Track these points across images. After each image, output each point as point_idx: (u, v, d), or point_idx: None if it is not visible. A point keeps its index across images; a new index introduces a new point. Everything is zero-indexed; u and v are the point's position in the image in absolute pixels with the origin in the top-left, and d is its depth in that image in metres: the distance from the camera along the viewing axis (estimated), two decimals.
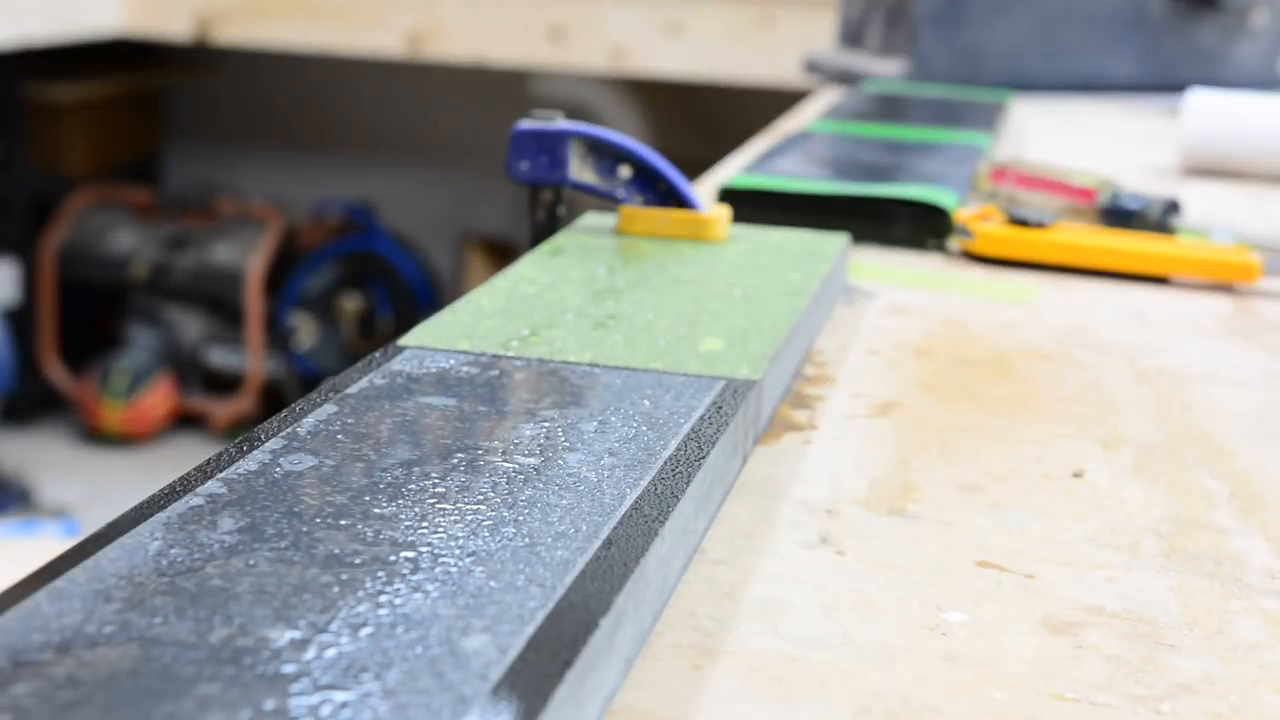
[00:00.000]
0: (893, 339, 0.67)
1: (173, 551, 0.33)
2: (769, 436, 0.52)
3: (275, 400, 3.15)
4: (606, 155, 0.71)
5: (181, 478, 0.38)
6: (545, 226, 0.71)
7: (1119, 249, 0.82)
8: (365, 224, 3.26)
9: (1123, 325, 0.72)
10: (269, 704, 0.27)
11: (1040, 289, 0.78)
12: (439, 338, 0.52)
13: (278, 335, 3.20)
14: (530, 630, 0.31)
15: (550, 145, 0.70)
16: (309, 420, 0.43)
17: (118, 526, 0.34)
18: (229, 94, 3.50)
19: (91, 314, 3.32)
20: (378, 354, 0.50)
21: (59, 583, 0.31)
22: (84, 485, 2.88)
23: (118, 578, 0.32)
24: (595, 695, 0.31)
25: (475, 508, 0.37)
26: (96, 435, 3.13)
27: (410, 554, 0.34)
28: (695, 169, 0.98)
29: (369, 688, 0.28)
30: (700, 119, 3.09)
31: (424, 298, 3.24)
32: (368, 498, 0.37)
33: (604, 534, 0.36)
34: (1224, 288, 0.81)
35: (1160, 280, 0.81)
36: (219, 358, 3.23)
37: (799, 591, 0.40)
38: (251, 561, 0.33)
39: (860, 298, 0.74)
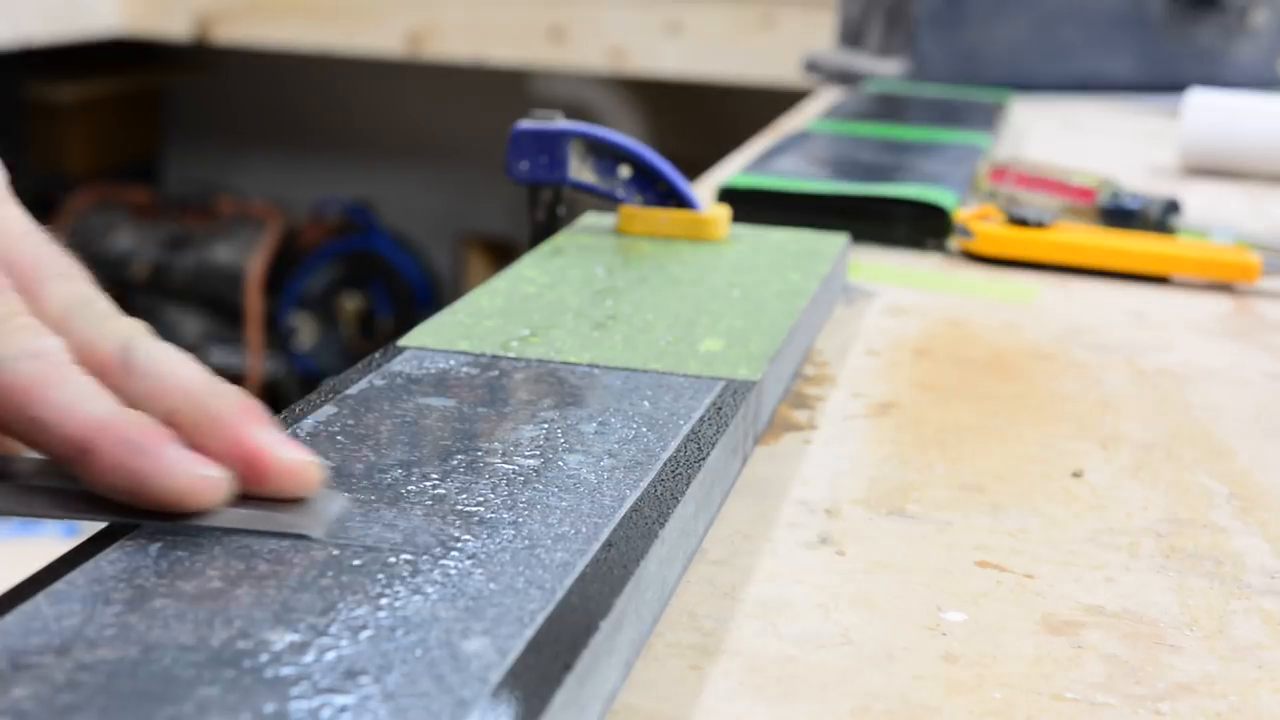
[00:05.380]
0: (892, 339, 0.67)
1: (173, 553, 0.33)
2: (769, 437, 0.52)
3: (275, 400, 3.15)
4: (606, 155, 0.71)
5: None
6: (545, 226, 0.71)
7: (1119, 249, 0.82)
8: (365, 224, 3.26)
9: (1123, 325, 0.72)
10: (269, 707, 0.27)
11: (1040, 289, 0.78)
12: (438, 338, 0.52)
13: (278, 335, 3.20)
14: (530, 632, 0.31)
15: (550, 145, 0.70)
16: (309, 421, 0.43)
17: (118, 528, 0.34)
18: (229, 94, 3.50)
19: None
20: (377, 354, 0.50)
21: (59, 585, 0.31)
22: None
23: (117, 580, 0.32)
24: (595, 697, 0.31)
25: (475, 509, 0.37)
26: None
27: (409, 556, 0.34)
28: (695, 169, 0.98)
29: (368, 691, 0.28)
30: (700, 119, 3.09)
31: (424, 298, 3.24)
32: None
33: (604, 536, 0.36)
34: (1224, 288, 0.81)
35: (1160, 280, 0.81)
36: (219, 358, 3.22)
37: (799, 591, 0.40)
38: (252, 563, 0.33)
39: (860, 298, 0.74)
